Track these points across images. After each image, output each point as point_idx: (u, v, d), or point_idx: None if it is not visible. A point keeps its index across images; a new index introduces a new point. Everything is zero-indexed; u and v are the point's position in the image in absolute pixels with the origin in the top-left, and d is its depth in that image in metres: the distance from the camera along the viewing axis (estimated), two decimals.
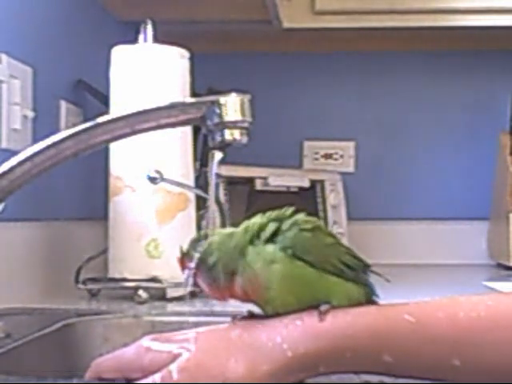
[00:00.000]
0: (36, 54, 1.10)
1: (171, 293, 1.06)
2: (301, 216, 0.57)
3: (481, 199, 1.81)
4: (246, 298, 0.56)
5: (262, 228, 0.56)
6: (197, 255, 0.57)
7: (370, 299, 0.58)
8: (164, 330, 0.68)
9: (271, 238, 0.55)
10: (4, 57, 0.99)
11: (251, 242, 0.56)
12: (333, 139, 1.90)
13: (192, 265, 0.57)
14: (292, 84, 1.91)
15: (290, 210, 0.58)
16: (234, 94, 0.74)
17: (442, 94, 1.90)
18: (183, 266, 0.58)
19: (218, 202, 1.23)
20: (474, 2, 1.59)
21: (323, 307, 0.53)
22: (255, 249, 0.55)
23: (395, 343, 0.52)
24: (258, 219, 0.57)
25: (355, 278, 0.57)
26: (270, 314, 0.55)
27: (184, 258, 0.58)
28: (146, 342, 0.55)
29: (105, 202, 1.12)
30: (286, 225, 0.56)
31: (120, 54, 1.10)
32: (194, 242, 0.58)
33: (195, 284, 0.58)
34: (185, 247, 0.58)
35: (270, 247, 0.55)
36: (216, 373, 0.51)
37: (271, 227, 0.56)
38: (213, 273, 0.56)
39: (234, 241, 0.56)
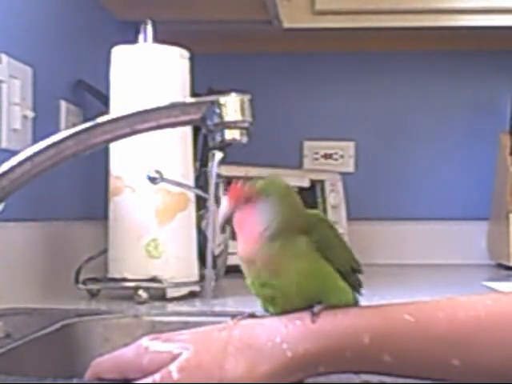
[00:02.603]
0: (36, 54, 1.10)
1: (171, 293, 1.06)
2: (321, 214, 0.59)
3: (481, 199, 1.81)
4: (258, 263, 0.54)
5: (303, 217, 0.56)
6: (266, 192, 0.55)
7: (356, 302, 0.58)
8: (164, 329, 0.68)
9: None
10: (4, 57, 0.99)
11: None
12: (333, 139, 1.90)
13: (250, 197, 0.54)
14: (292, 84, 1.91)
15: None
16: (233, 94, 0.74)
17: (442, 94, 1.90)
18: (236, 194, 0.55)
19: (217, 202, 1.23)
20: (474, 2, 1.59)
21: (316, 308, 0.53)
22: (293, 237, 0.54)
23: (395, 343, 0.52)
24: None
25: (354, 281, 0.57)
26: (267, 303, 0.56)
27: (248, 187, 0.55)
28: (145, 341, 0.55)
29: (105, 201, 1.12)
30: (315, 218, 0.56)
31: (120, 54, 1.10)
32: (265, 184, 0.56)
33: (228, 220, 0.55)
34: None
35: (303, 242, 0.54)
36: (215, 373, 0.51)
37: (310, 221, 0.56)
38: (270, 219, 0.54)
39: (293, 216, 0.55)
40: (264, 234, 0.54)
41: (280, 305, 0.55)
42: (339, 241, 0.58)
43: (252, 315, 0.56)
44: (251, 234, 0.54)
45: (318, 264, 0.55)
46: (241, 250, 0.55)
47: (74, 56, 1.28)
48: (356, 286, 0.58)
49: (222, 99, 0.73)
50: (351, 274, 0.57)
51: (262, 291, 0.56)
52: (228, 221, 0.56)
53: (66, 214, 1.23)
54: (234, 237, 1.23)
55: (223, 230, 0.57)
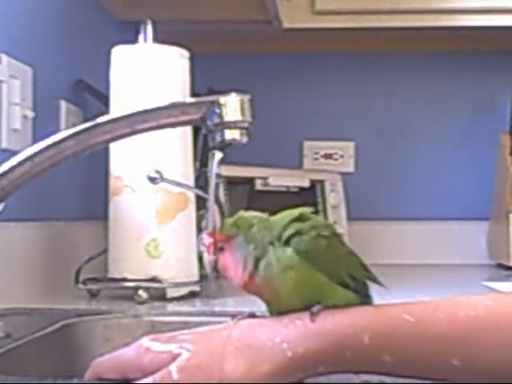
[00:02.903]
0: (36, 54, 1.10)
1: (171, 293, 1.06)
2: (319, 219, 0.58)
3: (481, 199, 1.81)
4: (257, 292, 0.56)
5: (284, 228, 0.56)
6: (233, 231, 0.56)
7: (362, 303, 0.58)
8: (164, 330, 0.68)
9: (290, 239, 0.55)
10: (4, 57, 0.99)
11: (275, 240, 0.55)
12: (333, 139, 1.90)
13: (222, 242, 0.56)
14: (292, 84, 1.91)
15: (309, 210, 0.58)
16: (233, 94, 0.74)
17: (442, 94, 1.90)
18: (212, 243, 0.57)
19: (217, 202, 1.23)
20: (474, 2, 1.59)
21: (315, 308, 0.53)
22: (276, 251, 0.55)
23: (395, 343, 0.52)
24: (285, 215, 0.57)
25: (357, 288, 0.57)
26: (273, 312, 0.56)
27: (217, 234, 0.57)
28: (145, 341, 0.55)
29: (105, 201, 1.12)
30: (304, 227, 0.56)
31: (120, 54, 1.10)
32: (232, 222, 0.57)
33: (216, 267, 0.57)
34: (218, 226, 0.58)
35: (288, 252, 0.55)
36: (215, 373, 0.51)
37: (290, 230, 0.55)
38: (245, 253, 0.55)
39: (267, 233, 0.56)
40: (245, 272, 0.55)
41: (285, 310, 0.55)
42: (334, 248, 0.57)
43: (252, 315, 0.56)
44: (235, 275, 0.56)
45: (307, 271, 0.54)
46: (235, 285, 0.57)
47: (74, 56, 1.28)
48: (361, 290, 0.57)
49: (222, 99, 0.73)
50: (350, 281, 0.56)
51: (269, 307, 0.57)
52: (216, 269, 0.58)
53: (66, 213, 1.23)
54: None
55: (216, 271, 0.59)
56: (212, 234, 0.57)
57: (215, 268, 0.57)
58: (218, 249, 0.57)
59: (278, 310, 0.56)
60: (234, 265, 0.56)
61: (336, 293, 0.55)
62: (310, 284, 0.55)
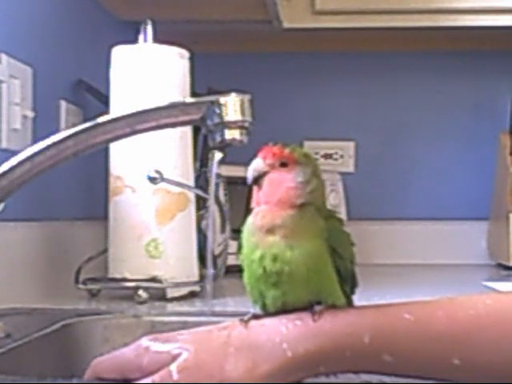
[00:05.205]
0: (36, 54, 1.10)
1: (171, 293, 1.06)
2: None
3: (481, 199, 1.81)
4: (281, 232, 0.53)
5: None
6: (303, 160, 0.55)
7: None
8: (164, 330, 0.68)
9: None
10: (4, 57, 0.99)
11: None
12: (333, 139, 1.90)
13: (290, 161, 0.54)
14: (292, 84, 1.91)
15: None
16: (233, 94, 0.74)
17: (442, 94, 1.90)
18: (273, 154, 0.54)
19: (217, 202, 1.23)
20: (474, 2, 1.59)
21: (317, 308, 0.53)
22: (316, 215, 0.55)
23: (395, 342, 0.52)
24: None
25: (348, 287, 0.58)
26: (273, 275, 0.54)
27: (284, 151, 0.54)
28: (145, 342, 0.55)
29: (105, 202, 1.12)
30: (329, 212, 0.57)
31: (120, 54, 1.10)
32: (303, 153, 0.55)
33: (258, 179, 0.53)
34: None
35: (322, 225, 0.54)
36: (215, 373, 0.51)
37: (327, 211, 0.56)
38: (306, 183, 0.54)
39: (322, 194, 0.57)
40: (296, 201, 0.54)
41: (282, 289, 0.54)
42: (348, 244, 0.58)
43: (256, 315, 0.56)
44: (283, 198, 0.54)
45: (326, 254, 0.54)
46: (263, 216, 0.54)
47: (74, 56, 1.28)
48: (348, 293, 0.58)
49: (222, 99, 0.73)
50: (349, 280, 0.57)
51: (271, 266, 0.53)
52: (257, 180, 0.54)
53: (66, 213, 1.23)
54: (233, 236, 1.23)
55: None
56: (279, 147, 0.55)
57: (258, 179, 0.54)
58: (281, 163, 0.54)
59: (281, 281, 0.53)
60: (285, 189, 0.53)
61: (335, 286, 0.55)
62: (323, 263, 0.54)
